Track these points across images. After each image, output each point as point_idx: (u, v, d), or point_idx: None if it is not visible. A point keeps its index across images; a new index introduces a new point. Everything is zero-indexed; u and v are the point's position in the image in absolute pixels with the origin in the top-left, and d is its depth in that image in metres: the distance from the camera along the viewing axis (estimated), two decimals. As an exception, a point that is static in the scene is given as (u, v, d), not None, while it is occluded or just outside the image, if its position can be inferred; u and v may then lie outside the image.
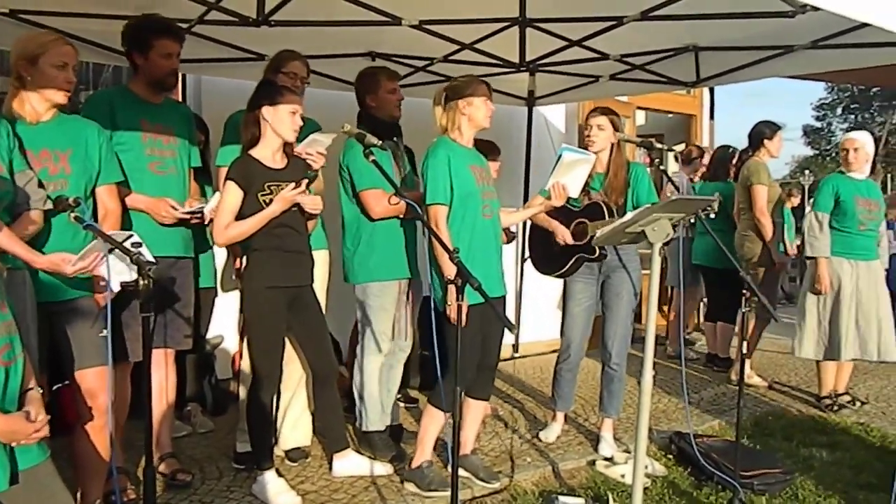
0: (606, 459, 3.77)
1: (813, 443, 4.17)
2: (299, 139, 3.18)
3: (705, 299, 6.46)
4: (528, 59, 4.46)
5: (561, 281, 3.95)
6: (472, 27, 4.05)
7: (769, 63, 4.44)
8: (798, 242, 6.83)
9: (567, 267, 3.81)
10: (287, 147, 3.15)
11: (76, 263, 2.38)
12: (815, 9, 2.22)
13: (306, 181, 3.00)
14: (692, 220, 3.11)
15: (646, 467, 3.22)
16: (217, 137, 3.60)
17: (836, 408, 4.77)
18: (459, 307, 2.46)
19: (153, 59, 3.13)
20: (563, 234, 3.73)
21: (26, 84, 2.61)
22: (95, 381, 2.62)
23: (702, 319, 7.11)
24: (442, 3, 3.73)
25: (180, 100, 4.52)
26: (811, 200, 6.59)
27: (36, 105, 2.64)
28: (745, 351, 3.38)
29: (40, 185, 2.54)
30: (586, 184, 3.66)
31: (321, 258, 3.53)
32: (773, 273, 5.25)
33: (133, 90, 3.21)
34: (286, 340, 3.25)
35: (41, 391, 2.05)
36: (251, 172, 3.03)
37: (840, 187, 4.65)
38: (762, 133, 5.29)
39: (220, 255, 3.88)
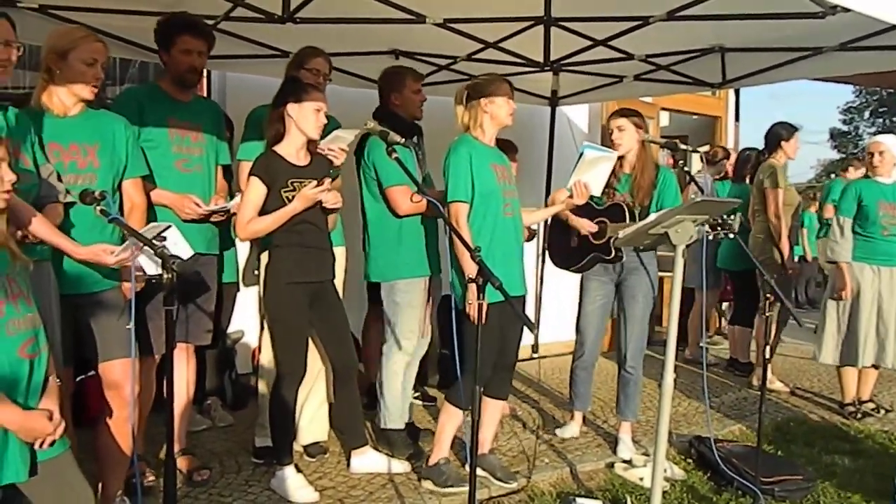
0: (625, 462, 3.75)
1: (835, 450, 4.12)
2: (322, 137, 3.19)
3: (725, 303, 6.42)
4: (552, 58, 4.43)
5: (579, 280, 3.93)
6: (496, 26, 4.04)
7: (797, 65, 4.39)
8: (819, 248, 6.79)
9: (582, 264, 3.80)
10: (311, 144, 3.17)
11: (119, 254, 2.40)
12: (846, 10, 2.19)
13: (329, 180, 3.01)
14: (718, 223, 3.07)
15: (665, 471, 3.19)
16: (241, 133, 3.62)
17: (859, 415, 4.70)
18: (480, 306, 2.46)
19: (174, 54, 3.16)
20: (587, 226, 3.71)
21: (55, 78, 2.64)
22: (121, 373, 2.64)
23: (724, 323, 7.06)
24: (466, 2, 3.72)
25: (206, 96, 4.55)
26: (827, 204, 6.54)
27: (64, 99, 2.68)
28: (767, 356, 3.35)
29: (59, 178, 2.57)
30: (610, 184, 3.64)
31: (339, 254, 3.54)
32: (785, 277, 5.19)
33: (163, 87, 3.25)
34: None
35: (59, 382, 2.07)
36: (275, 169, 3.05)
37: (864, 191, 4.60)
38: (779, 135, 5.24)
39: (242, 249, 3.91)
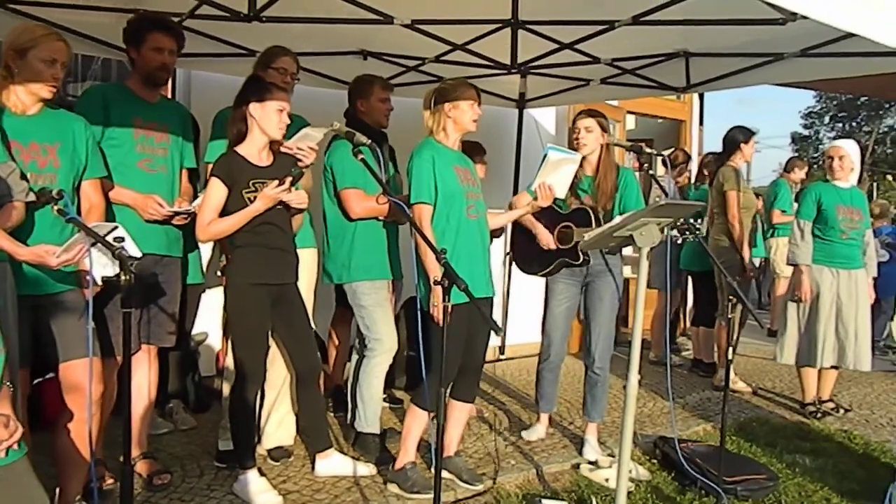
0: (591, 463, 3.77)
1: (797, 449, 4.19)
2: (286, 137, 3.16)
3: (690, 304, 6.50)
4: (519, 61, 4.46)
5: (545, 282, 3.95)
6: (464, 28, 4.05)
7: (759, 70, 4.46)
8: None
9: (549, 268, 3.82)
10: (273, 144, 3.14)
11: (60, 255, 2.36)
12: (805, 17, 2.22)
13: (290, 179, 2.98)
14: (686, 227, 3.11)
15: (630, 471, 3.22)
16: (206, 132, 3.58)
17: (819, 415, 4.79)
18: (445, 308, 2.46)
19: (144, 52, 3.12)
20: (547, 240, 3.75)
21: (14, 76, 2.59)
22: (81, 374, 2.58)
23: (688, 324, 7.14)
24: (434, 4, 3.73)
25: (170, 94, 4.49)
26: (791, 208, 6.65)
27: (22, 97, 2.63)
28: (729, 357, 3.39)
29: (23, 176, 2.51)
30: (574, 185, 3.67)
31: (309, 256, 3.52)
32: (744, 278, 5.28)
33: (129, 87, 3.20)
34: (271, 339, 3.22)
35: (10, 387, 2.02)
36: (236, 169, 3.02)
37: (823, 195, 4.68)
38: (736, 139, 5.32)
39: (206, 250, 3.87)
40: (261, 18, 3.34)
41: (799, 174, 7.37)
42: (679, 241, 3.28)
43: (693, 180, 6.52)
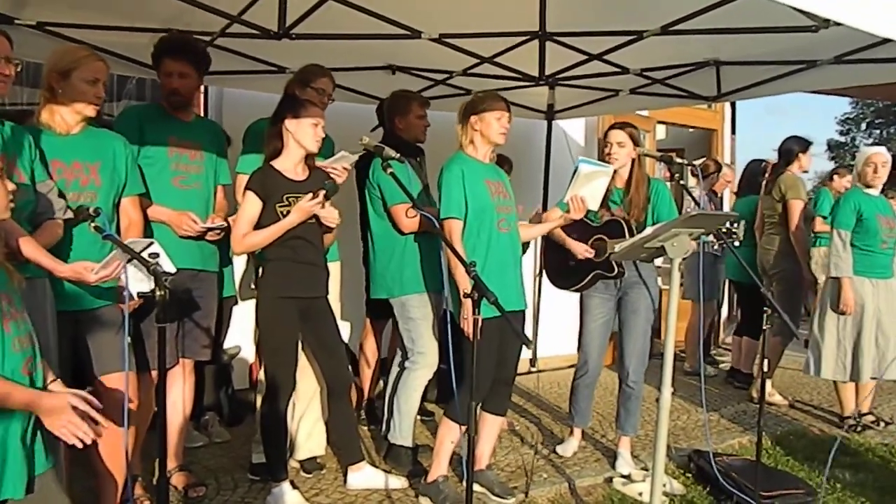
0: (624, 477, 3.73)
1: (836, 463, 4.08)
2: (319, 157, 3.21)
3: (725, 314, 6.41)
4: (547, 72, 4.44)
5: (578, 295, 3.92)
6: (491, 41, 4.06)
7: (792, 78, 4.40)
8: None
9: (583, 282, 3.78)
10: (309, 160, 3.18)
11: (99, 272, 2.41)
12: (838, 24, 2.19)
13: (324, 192, 3.01)
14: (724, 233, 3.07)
15: (664, 486, 3.18)
16: (238, 148, 3.63)
17: (859, 428, 4.69)
18: (475, 321, 2.45)
19: (160, 76, 3.23)
20: (581, 250, 3.71)
21: (57, 96, 2.67)
22: (118, 387, 2.63)
23: (722, 336, 7.05)
24: (462, 17, 3.74)
25: (202, 112, 4.56)
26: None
27: (66, 117, 2.71)
28: (765, 369, 3.33)
29: (61, 194, 2.58)
30: (606, 198, 3.64)
31: (334, 269, 3.55)
32: (802, 290, 5.18)
33: (164, 106, 3.28)
34: (300, 352, 3.25)
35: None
36: (271, 183, 3.07)
37: (862, 204, 4.58)
38: (793, 149, 5.25)
39: (239, 263, 3.90)
40: (290, 36, 3.38)
41: (842, 182, 7.22)
42: (715, 247, 3.24)
43: (735, 190, 6.43)
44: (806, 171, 5.35)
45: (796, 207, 5.10)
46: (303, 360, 3.31)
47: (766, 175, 5.74)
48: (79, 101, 2.68)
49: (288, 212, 3.01)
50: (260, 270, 3.18)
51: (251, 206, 3.05)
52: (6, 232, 2.18)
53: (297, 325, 3.16)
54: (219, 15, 3.34)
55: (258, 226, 3.05)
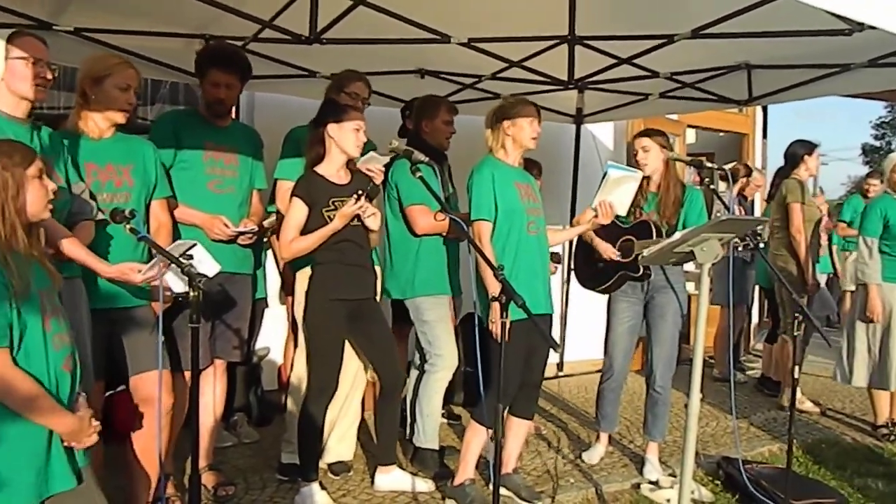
0: (651, 483, 3.70)
1: (868, 473, 4.03)
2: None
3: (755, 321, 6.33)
4: (576, 76, 4.44)
5: (606, 300, 3.91)
6: (520, 45, 4.07)
7: (825, 81, 4.34)
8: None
9: (610, 283, 3.77)
10: (350, 163, 3.22)
11: (146, 273, 2.45)
12: (872, 27, 2.17)
13: (364, 194, 3.05)
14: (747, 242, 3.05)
15: (692, 493, 3.16)
16: (269, 152, 3.67)
17: (893, 437, 4.60)
18: (503, 324, 2.46)
19: (204, 85, 3.28)
20: (607, 251, 3.70)
21: (90, 102, 2.74)
22: (151, 386, 2.67)
23: (752, 342, 6.96)
24: (490, 21, 3.76)
25: (234, 116, 4.62)
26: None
27: (98, 122, 2.78)
28: (795, 375, 3.29)
29: (92, 196, 2.64)
30: (636, 202, 3.62)
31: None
32: (807, 294, 5.11)
33: (201, 112, 3.34)
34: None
35: (85, 395, 2.12)
36: (316, 189, 3.11)
37: (889, 210, 4.51)
38: (797, 152, 5.19)
39: (271, 267, 3.94)
40: (321, 41, 3.42)
41: (877, 188, 7.10)
42: (740, 249, 3.21)
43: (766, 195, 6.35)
44: (813, 175, 5.28)
45: (795, 210, 5.04)
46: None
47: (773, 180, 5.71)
48: (111, 107, 2.75)
49: (334, 216, 3.05)
50: (303, 274, 3.23)
51: (298, 211, 3.10)
52: (48, 231, 2.24)
53: (344, 328, 3.20)
54: (251, 20, 3.39)
55: (305, 231, 3.10)
